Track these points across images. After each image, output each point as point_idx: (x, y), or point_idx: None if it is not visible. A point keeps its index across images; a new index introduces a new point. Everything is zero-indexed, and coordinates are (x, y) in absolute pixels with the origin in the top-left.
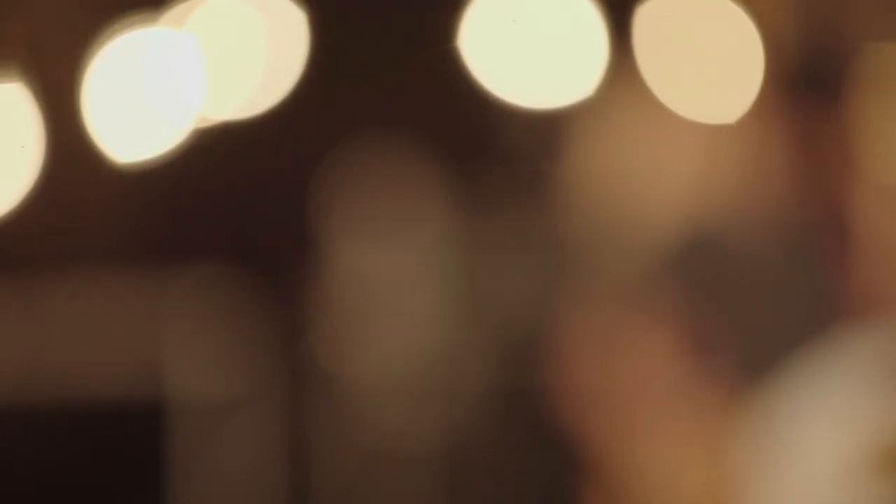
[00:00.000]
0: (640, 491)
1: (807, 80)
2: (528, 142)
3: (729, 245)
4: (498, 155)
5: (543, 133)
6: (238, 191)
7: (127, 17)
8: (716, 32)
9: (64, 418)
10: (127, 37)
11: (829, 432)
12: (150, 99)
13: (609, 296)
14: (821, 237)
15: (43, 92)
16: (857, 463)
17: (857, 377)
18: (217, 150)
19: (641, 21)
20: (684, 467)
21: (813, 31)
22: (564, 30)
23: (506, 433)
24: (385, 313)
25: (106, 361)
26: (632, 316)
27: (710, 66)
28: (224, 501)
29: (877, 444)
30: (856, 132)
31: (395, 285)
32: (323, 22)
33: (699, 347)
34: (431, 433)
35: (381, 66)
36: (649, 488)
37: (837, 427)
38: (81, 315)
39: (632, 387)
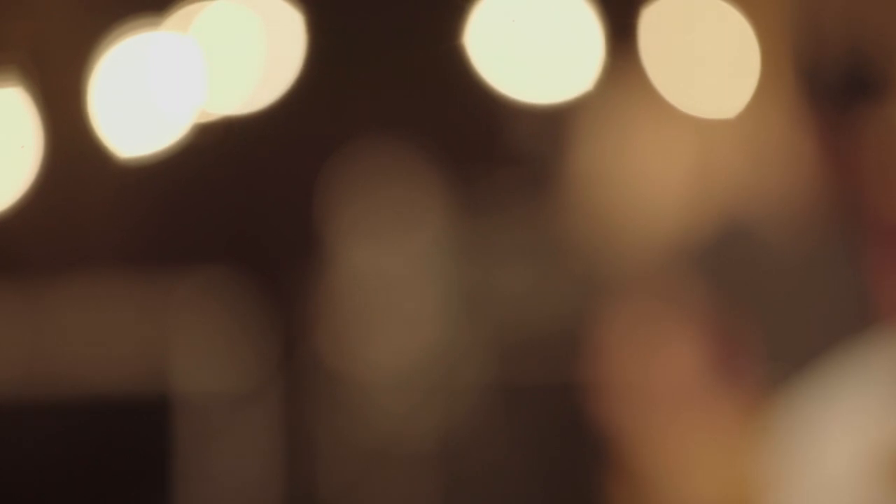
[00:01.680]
0: (660, 488)
1: (828, 83)
2: (531, 138)
3: (751, 242)
4: (498, 154)
5: (546, 129)
6: (242, 192)
7: (130, 20)
8: (714, 33)
9: (72, 414)
10: (130, 39)
11: (850, 437)
12: (152, 98)
13: (628, 293)
14: (851, 237)
15: (46, 94)
16: (877, 469)
17: (882, 382)
18: (220, 152)
19: (646, 22)
20: (705, 466)
21: (810, 33)
22: (562, 28)
23: (505, 429)
24: (387, 312)
25: (113, 358)
26: (653, 313)
27: (709, 65)
28: (228, 494)
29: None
30: (881, 133)
31: (396, 284)
32: (324, 23)
33: (722, 346)
34: (432, 429)
35: (382, 68)
36: (670, 485)
37: (859, 432)
38: (89, 313)
39: (655, 384)
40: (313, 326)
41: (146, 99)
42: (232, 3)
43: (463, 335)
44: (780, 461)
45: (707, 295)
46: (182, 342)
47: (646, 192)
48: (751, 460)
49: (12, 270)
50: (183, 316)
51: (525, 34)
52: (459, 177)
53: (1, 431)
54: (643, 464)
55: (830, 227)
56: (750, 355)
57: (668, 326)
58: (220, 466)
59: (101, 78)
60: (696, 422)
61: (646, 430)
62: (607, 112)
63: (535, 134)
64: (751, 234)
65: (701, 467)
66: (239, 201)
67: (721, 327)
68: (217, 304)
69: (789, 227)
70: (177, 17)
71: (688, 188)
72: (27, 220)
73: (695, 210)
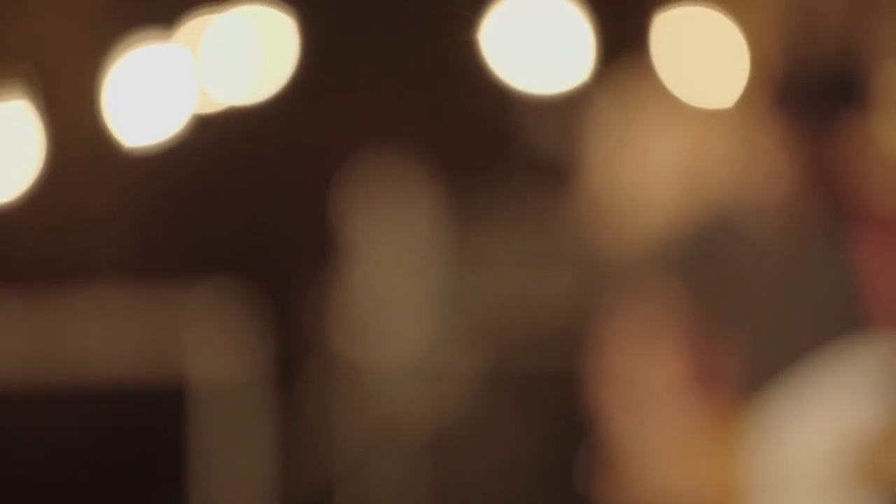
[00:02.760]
0: (645, 476)
1: (812, 89)
2: (537, 130)
3: (738, 239)
4: (496, 150)
5: (553, 120)
6: (250, 193)
7: (138, 31)
8: (710, 37)
9: (97, 403)
10: (137, 50)
11: (818, 435)
12: (157, 99)
13: (621, 287)
14: (836, 235)
15: (53, 99)
16: (844, 467)
17: (858, 382)
18: (226, 150)
19: (657, 27)
20: (687, 459)
21: (796, 43)
22: (555, 30)
23: (494, 415)
24: (389, 306)
25: (130, 351)
26: (642, 309)
27: (706, 64)
28: (238, 474)
29: (861, 449)
30: (861, 138)
31: (397, 279)
32: (321, 27)
33: (705, 343)
34: (431, 416)
35: (386, 70)
36: (655, 475)
37: (827, 431)
38: (107, 309)
39: (642, 378)
40: (318, 320)
41: (151, 100)
42: (235, 15)
43: (460, 328)
44: (755, 457)
45: (692, 291)
46: (195, 335)
47: (643, 183)
48: (730, 455)
49: (32, 270)
50: (196, 311)
51: (529, 33)
52: (459, 174)
53: (25, 420)
54: (629, 453)
55: (816, 224)
56: (732, 353)
57: (655, 322)
58: (229, 452)
59: (109, 81)
60: (679, 416)
61: (633, 421)
62: (612, 104)
63: (542, 126)
64: (737, 231)
65: (683, 460)
66: (246, 203)
67: (704, 325)
68: (227, 300)
69: (775, 224)
70: (183, 28)
71: (681, 181)
72: (42, 219)
73: (686, 203)
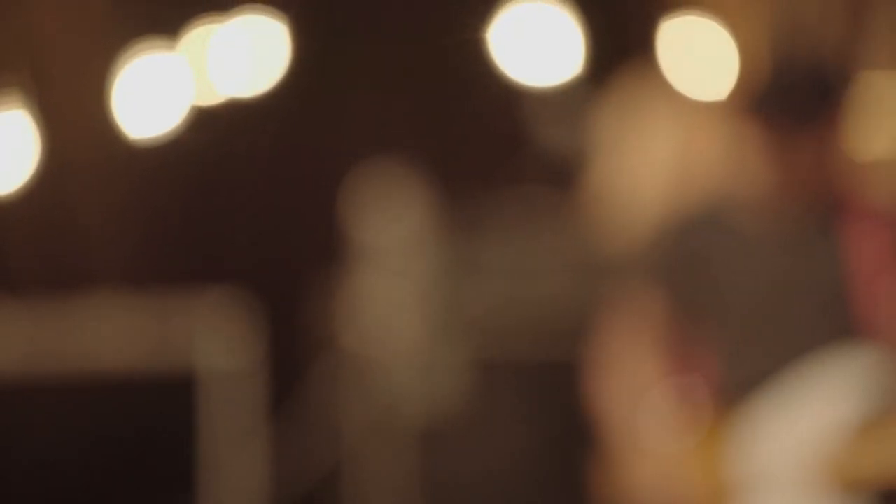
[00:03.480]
0: (633, 476)
1: (792, 91)
2: (537, 133)
3: (722, 239)
4: (488, 165)
5: (549, 122)
6: (256, 200)
7: (138, 41)
8: (708, 41)
9: (109, 394)
10: (138, 57)
11: (799, 438)
12: (158, 111)
13: (615, 280)
14: (825, 235)
15: (57, 106)
16: (821, 468)
17: (836, 387)
18: (232, 168)
19: (664, 33)
20: (670, 461)
21: (781, 48)
22: (551, 33)
23: (488, 407)
24: (389, 304)
25: (148, 345)
26: (627, 311)
27: (703, 62)
28: (241, 462)
29: (837, 451)
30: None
31: (399, 285)
32: (315, 31)
33: (690, 346)
34: (426, 405)
35: (391, 82)
36: (641, 476)
37: (807, 434)
38: (125, 309)
39: (626, 379)
40: (320, 316)
41: (153, 104)
42: (237, 24)
43: (457, 324)
44: (738, 457)
45: (677, 290)
46: (203, 330)
47: (640, 181)
48: (714, 455)
49: (43, 270)
50: (204, 307)
51: (527, 37)
52: (457, 177)
53: (43, 410)
54: (619, 451)
55: (801, 223)
56: (716, 354)
57: (642, 322)
58: (233, 441)
59: (112, 86)
60: (664, 416)
61: (621, 419)
62: (610, 105)
63: (541, 129)
64: (723, 230)
65: (668, 460)
66: (251, 204)
67: (690, 324)
68: (232, 298)
69: (761, 223)
70: (185, 37)
71: (673, 180)
72: (50, 221)
73: (677, 201)
